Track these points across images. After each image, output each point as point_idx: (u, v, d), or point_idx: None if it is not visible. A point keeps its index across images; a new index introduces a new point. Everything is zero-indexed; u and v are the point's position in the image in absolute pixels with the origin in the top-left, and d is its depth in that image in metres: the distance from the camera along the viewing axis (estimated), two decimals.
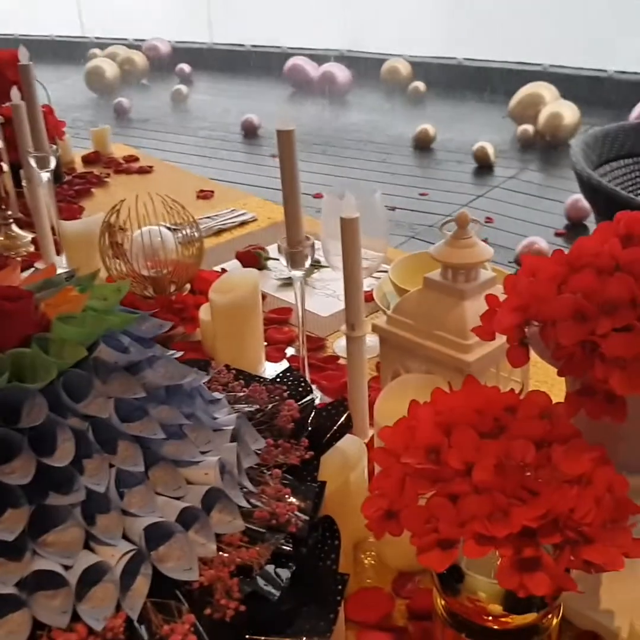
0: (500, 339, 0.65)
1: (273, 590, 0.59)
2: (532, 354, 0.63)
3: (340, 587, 0.62)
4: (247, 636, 0.57)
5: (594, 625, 0.69)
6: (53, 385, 0.57)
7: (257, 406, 0.77)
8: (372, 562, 0.80)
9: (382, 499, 0.56)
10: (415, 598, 0.74)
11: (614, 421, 0.57)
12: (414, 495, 0.55)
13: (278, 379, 0.83)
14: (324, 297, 1.33)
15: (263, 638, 0.58)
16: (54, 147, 1.32)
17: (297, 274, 0.94)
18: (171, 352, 0.67)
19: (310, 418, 0.77)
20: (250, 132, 5.46)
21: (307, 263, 0.93)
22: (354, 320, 0.86)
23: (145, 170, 1.99)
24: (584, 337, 0.56)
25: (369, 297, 1.07)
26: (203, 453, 0.65)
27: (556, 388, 1.02)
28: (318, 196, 3.73)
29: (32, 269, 1.36)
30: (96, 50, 7.37)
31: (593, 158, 2.29)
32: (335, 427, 0.75)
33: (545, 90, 5.14)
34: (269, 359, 1.15)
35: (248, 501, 0.64)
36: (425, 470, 0.55)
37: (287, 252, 0.92)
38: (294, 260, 0.92)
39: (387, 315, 0.87)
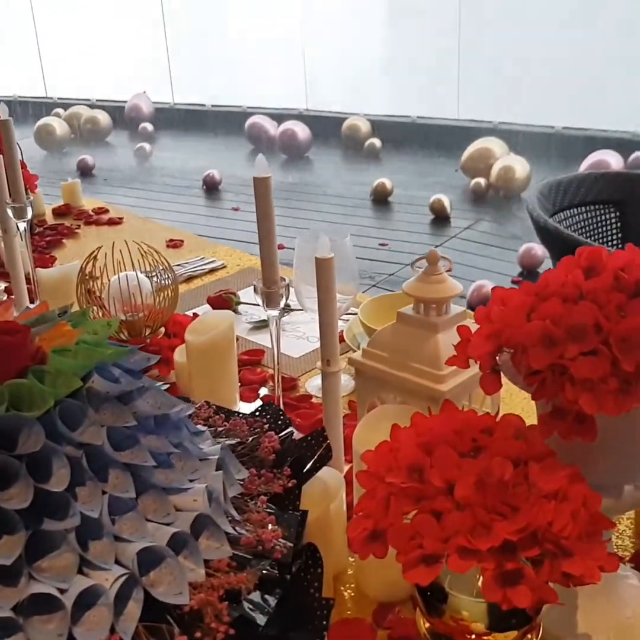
0: (473, 370, 0.68)
1: (260, 616, 0.60)
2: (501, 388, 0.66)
3: (325, 612, 0.63)
4: None
5: None
6: (49, 414, 0.58)
7: (238, 439, 0.79)
8: (352, 594, 0.80)
9: (367, 520, 0.58)
10: (397, 628, 0.75)
11: (585, 441, 0.59)
12: (399, 514, 0.56)
13: (257, 413, 0.85)
14: (294, 339, 1.35)
15: None
16: (31, 198, 1.34)
17: (273, 313, 0.97)
18: (159, 383, 0.69)
19: (291, 448, 0.78)
20: (211, 187, 5.53)
21: (282, 303, 0.96)
22: (330, 356, 0.89)
23: (115, 222, 2.02)
24: (553, 360, 0.59)
25: (340, 338, 1.10)
26: (191, 481, 0.66)
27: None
28: (281, 247, 3.79)
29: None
30: (59, 110, 7.45)
31: (548, 206, 2.36)
32: (315, 457, 0.76)
33: (495, 145, 5.34)
34: (243, 399, 1.16)
35: (234, 529, 0.66)
36: (409, 489, 0.57)
37: (263, 291, 0.94)
38: (269, 300, 0.95)
39: (362, 349, 0.90)
